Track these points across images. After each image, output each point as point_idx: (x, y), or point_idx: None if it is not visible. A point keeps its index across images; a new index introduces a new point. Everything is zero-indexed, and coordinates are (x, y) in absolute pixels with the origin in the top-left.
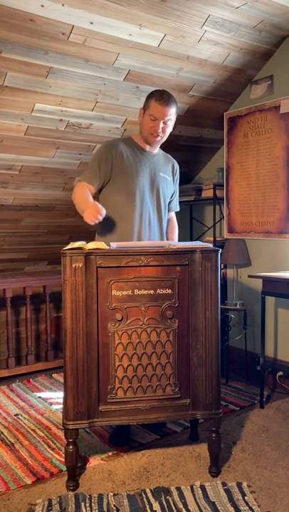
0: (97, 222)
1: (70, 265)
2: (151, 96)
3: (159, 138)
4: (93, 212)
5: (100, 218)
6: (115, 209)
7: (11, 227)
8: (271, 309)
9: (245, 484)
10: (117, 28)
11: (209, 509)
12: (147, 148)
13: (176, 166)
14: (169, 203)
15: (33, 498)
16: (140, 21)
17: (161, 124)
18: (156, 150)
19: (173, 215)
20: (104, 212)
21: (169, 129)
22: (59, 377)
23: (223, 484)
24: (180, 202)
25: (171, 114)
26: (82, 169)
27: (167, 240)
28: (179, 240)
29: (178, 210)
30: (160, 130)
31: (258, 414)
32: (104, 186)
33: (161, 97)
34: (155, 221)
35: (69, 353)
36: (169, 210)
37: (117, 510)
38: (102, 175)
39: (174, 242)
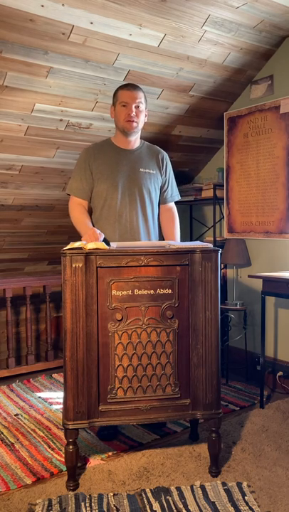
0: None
1: (70, 265)
2: (117, 89)
3: (134, 124)
4: (92, 238)
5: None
6: (99, 211)
7: (11, 227)
8: (271, 309)
9: (245, 484)
10: (117, 28)
11: (209, 509)
12: (125, 146)
13: (162, 156)
14: (162, 194)
15: (33, 498)
16: (140, 21)
17: (134, 109)
18: (137, 145)
19: (171, 206)
20: (102, 236)
21: (143, 115)
22: (59, 377)
23: (223, 484)
24: (180, 202)
25: (141, 97)
26: None
27: (160, 235)
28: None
29: (177, 199)
30: (134, 114)
31: (258, 414)
32: (93, 189)
33: (126, 84)
34: (139, 221)
35: (69, 353)
36: (164, 202)
37: (117, 510)
38: (87, 184)
39: (174, 242)
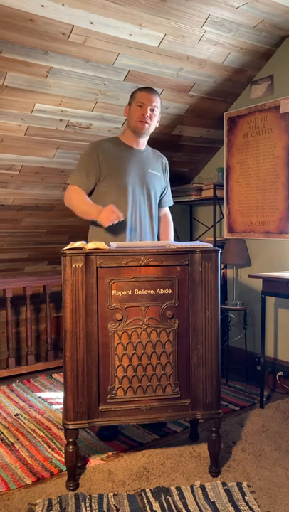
0: (114, 223)
1: (70, 265)
2: (135, 91)
3: (147, 125)
4: (111, 214)
5: (118, 220)
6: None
7: (11, 227)
8: (271, 309)
9: (245, 484)
10: (117, 28)
11: (209, 509)
12: (134, 145)
13: (165, 161)
14: (161, 198)
15: (33, 498)
16: (140, 21)
17: (149, 111)
18: (144, 147)
19: (167, 210)
20: (121, 214)
21: (156, 120)
22: (59, 377)
23: (223, 484)
24: (180, 202)
25: (157, 102)
26: None
27: (158, 236)
28: (179, 240)
29: (171, 204)
30: (148, 115)
31: (258, 414)
32: (96, 185)
33: (146, 87)
34: (146, 218)
35: (69, 353)
36: (162, 206)
37: (117, 510)
38: (92, 177)
39: (174, 242)
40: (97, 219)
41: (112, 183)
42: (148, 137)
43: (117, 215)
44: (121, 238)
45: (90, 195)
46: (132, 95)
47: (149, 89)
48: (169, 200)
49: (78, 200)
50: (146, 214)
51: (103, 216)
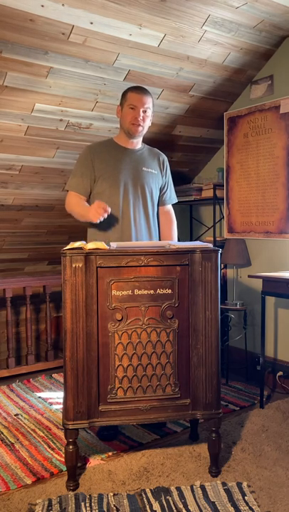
0: (104, 217)
1: (70, 265)
2: (127, 90)
3: (140, 128)
4: (98, 209)
5: (106, 213)
6: None
7: (11, 227)
8: (271, 309)
9: (245, 484)
10: (117, 28)
11: (209, 509)
12: (128, 146)
13: (163, 158)
14: (162, 196)
15: (33, 498)
16: (140, 21)
17: (141, 113)
18: (139, 146)
19: (169, 208)
20: (109, 209)
21: (148, 120)
22: (59, 377)
23: (223, 484)
24: (180, 202)
25: (149, 103)
26: None
27: (159, 235)
28: (179, 240)
29: (174, 202)
30: (140, 118)
31: (258, 414)
32: (92, 187)
33: (137, 87)
34: (141, 218)
35: (69, 353)
36: (163, 204)
37: (117, 510)
38: (87, 180)
39: (174, 242)
40: (88, 217)
41: (104, 184)
42: (142, 136)
43: (103, 208)
44: (115, 239)
45: (89, 197)
46: (124, 95)
47: (140, 90)
48: (170, 197)
49: (74, 205)
50: (141, 213)
51: (92, 214)
